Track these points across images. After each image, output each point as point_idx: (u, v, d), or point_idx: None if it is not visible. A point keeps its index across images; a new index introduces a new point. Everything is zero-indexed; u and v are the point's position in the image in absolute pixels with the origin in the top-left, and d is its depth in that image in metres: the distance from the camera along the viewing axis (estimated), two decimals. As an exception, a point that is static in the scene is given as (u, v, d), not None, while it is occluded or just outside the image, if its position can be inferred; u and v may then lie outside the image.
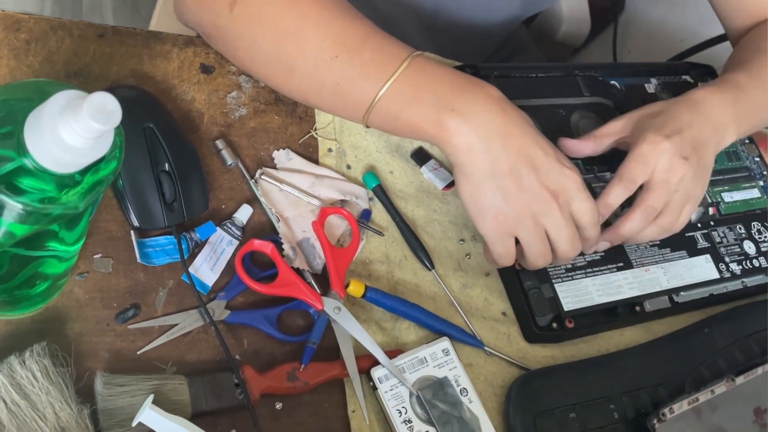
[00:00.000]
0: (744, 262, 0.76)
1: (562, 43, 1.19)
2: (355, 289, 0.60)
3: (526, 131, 0.57)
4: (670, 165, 0.62)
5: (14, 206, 0.39)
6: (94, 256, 0.55)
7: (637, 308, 0.69)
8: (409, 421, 0.57)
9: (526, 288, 0.65)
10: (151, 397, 0.49)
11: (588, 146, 0.69)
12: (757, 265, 0.76)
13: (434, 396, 0.58)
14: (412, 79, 0.56)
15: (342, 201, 0.65)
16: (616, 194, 0.63)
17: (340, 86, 0.56)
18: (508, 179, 0.56)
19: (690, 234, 0.75)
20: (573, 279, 0.67)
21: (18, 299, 0.50)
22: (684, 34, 1.33)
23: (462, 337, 0.63)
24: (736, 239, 0.77)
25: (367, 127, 0.58)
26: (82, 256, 0.55)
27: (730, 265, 0.75)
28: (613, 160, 0.72)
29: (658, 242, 0.72)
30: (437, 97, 0.56)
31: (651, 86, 0.84)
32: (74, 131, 0.36)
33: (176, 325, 0.56)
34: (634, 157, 0.63)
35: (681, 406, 0.63)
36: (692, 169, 0.63)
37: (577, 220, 0.59)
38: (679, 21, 1.36)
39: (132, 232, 0.56)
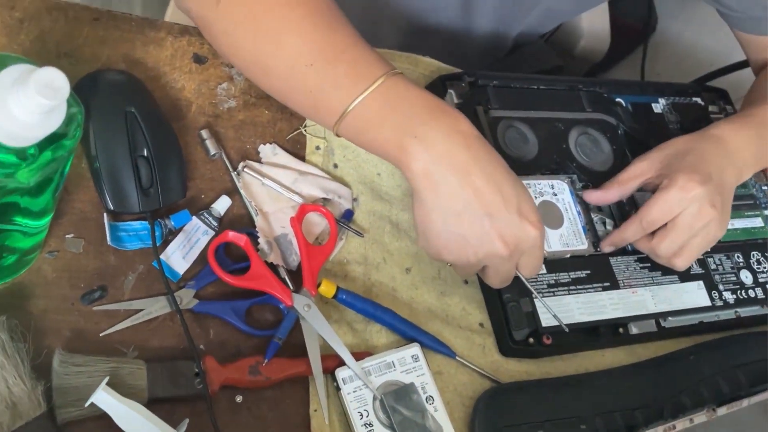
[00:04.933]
0: (739, 292, 0.74)
1: (581, 58, 1.18)
2: (327, 289, 0.59)
3: (489, 174, 0.54)
4: (699, 212, 0.64)
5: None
6: (66, 236, 0.55)
7: (621, 330, 0.68)
8: (370, 425, 0.57)
9: (504, 300, 0.64)
10: (105, 379, 0.49)
11: (613, 193, 0.70)
12: (753, 295, 0.74)
13: (398, 401, 0.58)
14: (382, 98, 0.55)
15: (324, 199, 0.64)
16: (633, 233, 0.66)
17: (313, 94, 0.56)
18: (461, 218, 0.54)
19: (684, 258, 0.73)
20: (555, 295, 0.65)
21: (-17, 272, 0.51)
22: (715, 58, 1.30)
23: (434, 345, 0.62)
24: (732, 267, 0.75)
25: (338, 136, 0.58)
26: (54, 235, 0.55)
27: (724, 293, 0.73)
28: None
29: (649, 264, 0.70)
30: (403, 121, 0.54)
31: (659, 106, 0.82)
32: (22, 105, 0.36)
33: (142, 310, 0.56)
34: (660, 200, 0.64)
35: (655, 433, 0.61)
36: (718, 215, 0.64)
37: (520, 268, 0.58)
38: (711, 44, 1.33)
39: (105, 214, 0.56)
